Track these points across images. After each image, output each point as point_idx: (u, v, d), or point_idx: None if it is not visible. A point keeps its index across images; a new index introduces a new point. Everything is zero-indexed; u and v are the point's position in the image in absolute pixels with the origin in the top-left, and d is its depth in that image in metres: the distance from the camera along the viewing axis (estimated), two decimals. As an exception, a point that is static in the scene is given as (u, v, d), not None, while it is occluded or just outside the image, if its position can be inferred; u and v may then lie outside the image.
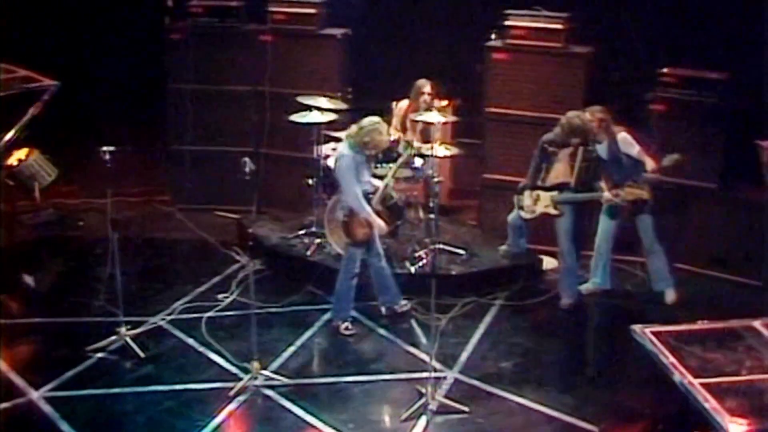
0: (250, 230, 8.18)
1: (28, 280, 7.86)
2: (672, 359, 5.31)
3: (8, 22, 8.64)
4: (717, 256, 8.08)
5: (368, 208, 6.99)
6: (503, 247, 8.18)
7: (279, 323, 7.13)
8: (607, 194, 7.32)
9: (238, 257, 8.31)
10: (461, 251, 8.07)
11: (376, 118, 7.00)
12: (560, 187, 7.46)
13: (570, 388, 6.47)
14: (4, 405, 5.99)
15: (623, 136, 7.38)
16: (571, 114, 7.36)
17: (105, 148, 6.56)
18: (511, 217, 7.91)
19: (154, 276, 7.93)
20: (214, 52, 9.07)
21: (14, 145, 8.67)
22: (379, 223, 6.99)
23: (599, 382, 6.56)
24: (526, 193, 7.58)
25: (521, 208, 7.68)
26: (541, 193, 7.49)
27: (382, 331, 7.17)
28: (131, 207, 9.25)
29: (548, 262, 8.19)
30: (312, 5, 8.91)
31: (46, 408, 5.99)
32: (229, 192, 9.09)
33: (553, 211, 7.47)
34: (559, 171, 7.46)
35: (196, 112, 9.12)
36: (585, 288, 7.73)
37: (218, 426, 5.91)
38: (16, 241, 8.54)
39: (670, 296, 7.65)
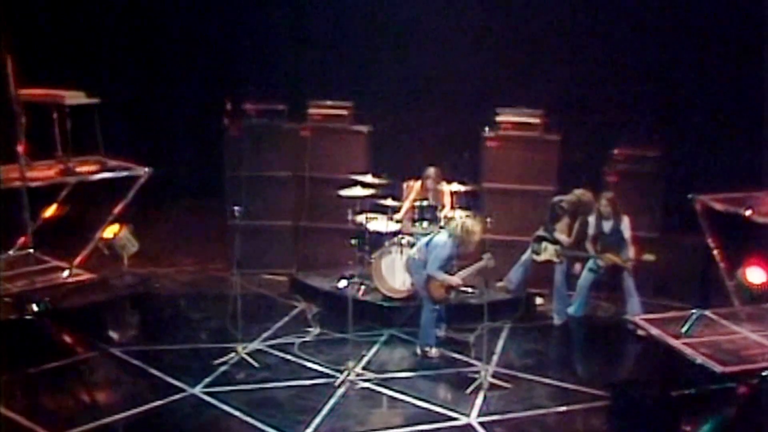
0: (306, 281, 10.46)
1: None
2: (659, 332, 7.89)
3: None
4: (660, 286, 10.65)
5: (445, 275, 8.79)
6: (501, 283, 10.49)
7: (351, 343, 9.05)
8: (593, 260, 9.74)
9: (296, 303, 10.50)
10: (473, 290, 10.45)
11: (476, 224, 8.68)
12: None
13: (578, 372, 8.91)
14: (177, 396, 8.05)
15: (627, 220, 9.77)
16: (581, 191, 9.81)
17: (236, 207, 8.84)
18: (524, 257, 10.22)
19: (234, 318, 9.94)
20: (263, 145, 11.13)
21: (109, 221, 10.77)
22: (455, 280, 8.94)
23: (595, 368, 9.03)
24: (542, 243, 9.96)
25: (535, 252, 10.08)
26: (549, 245, 9.95)
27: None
28: (190, 273, 11.46)
29: (539, 300, 10.59)
30: (343, 108, 11.20)
31: (207, 398, 8.05)
32: (273, 258, 11.39)
33: (556, 259, 9.94)
34: (562, 230, 9.97)
35: (248, 194, 11.08)
36: (569, 310, 10.14)
37: (335, 404, 8.01)
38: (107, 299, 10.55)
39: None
